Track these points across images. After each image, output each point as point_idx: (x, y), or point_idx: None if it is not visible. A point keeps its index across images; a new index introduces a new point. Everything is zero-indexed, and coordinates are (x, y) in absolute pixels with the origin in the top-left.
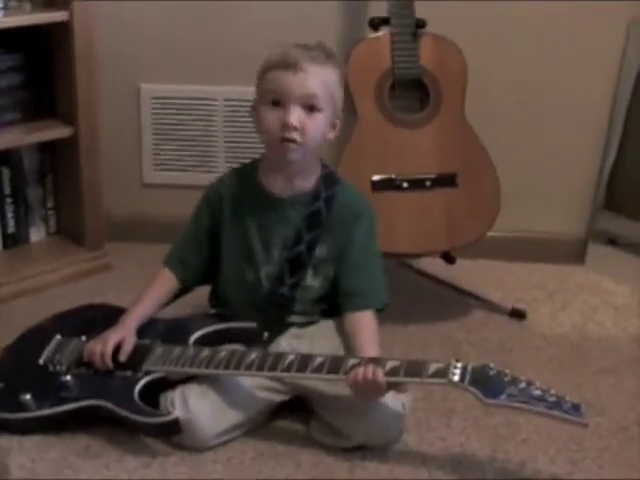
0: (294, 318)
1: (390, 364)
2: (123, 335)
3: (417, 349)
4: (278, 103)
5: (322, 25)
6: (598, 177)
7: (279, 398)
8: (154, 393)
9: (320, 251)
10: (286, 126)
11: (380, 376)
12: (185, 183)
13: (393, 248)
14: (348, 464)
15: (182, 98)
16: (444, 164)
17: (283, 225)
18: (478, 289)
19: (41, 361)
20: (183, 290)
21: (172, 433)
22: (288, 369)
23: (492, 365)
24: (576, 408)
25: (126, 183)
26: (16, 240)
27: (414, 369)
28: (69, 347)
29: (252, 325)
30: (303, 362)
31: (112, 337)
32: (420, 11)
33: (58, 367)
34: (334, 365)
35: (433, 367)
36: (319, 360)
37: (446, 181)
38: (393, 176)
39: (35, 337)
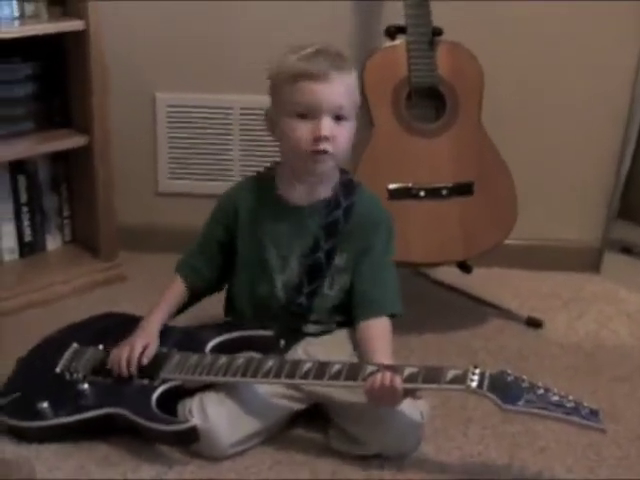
0: (310, 328)
1: (408, 371)
2: (147, 340)
3: (434, 358)
4: (305, 115)
5: (338, 34)
6: (613, 186)
7: (296, 406)
8: (171, 401)
9: (339, 260)
10: (319, 139)
11: (398, 383)
12: (200, 192)
13: (409, 257)
14: (365, 473)
15: (198, 107)
16: (461, 173)
17: (302, 234)
18: (494, 298)
19: (58, 369)
20: (194, 298)
21: (190, 441)
22: (305, 376)
23: (510, 371)
24: (594, 414)
25: (141, 192)
26: (33, 248)
27: (432, 375)
28: (86, 355)
29: (269, 333)
30: (320, 369)
31: (138, 342)
32: (436, 19)
33: (75, 375)
34: (352, 372)
35: (451, 373)
36: (337, 367)
37: (463, 190)
38: (410, 185)
39: (52, 346)
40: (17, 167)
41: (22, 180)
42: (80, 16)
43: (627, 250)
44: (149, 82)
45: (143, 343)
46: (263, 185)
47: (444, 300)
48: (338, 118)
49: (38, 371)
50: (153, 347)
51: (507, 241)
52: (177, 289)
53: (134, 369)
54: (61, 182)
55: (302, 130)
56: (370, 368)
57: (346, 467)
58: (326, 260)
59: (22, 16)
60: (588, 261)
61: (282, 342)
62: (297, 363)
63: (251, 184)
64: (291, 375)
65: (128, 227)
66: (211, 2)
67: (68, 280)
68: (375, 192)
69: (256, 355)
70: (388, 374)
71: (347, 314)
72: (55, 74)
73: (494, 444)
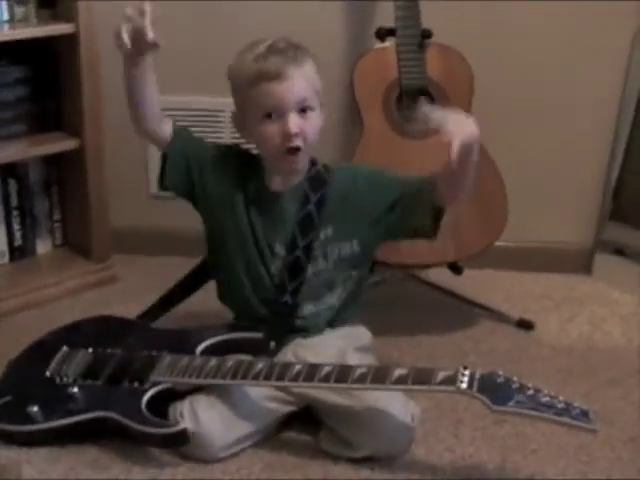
0: (303, 310)
1: (397, 372)
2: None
3: (425, 360)
4: (270, 115)
5: (328, 36)
6: (604, 187)
7: (287, 409)
8: (162, 404)
9: (324, 234)
10: (288, 135)
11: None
12: None
13: (399, 259)
14: (356, 475)
15: (189, 109)
16: None
17: (283, 221)
18: (485, 299)
19: (48, 373)
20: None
21: (180, 444)
22: (295, 378)
23: (500, 372)
24: (585, 414)
25: (133, 194)
26: (23, 252)
27: (422, 377)
28: (76, 359)
29: (258, 335)
30: (310, 371)
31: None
32: (425, 21)
33: (65, 379)
34: (342, 374)
35: (441, 375)
36: (327, 369)
37: None
38: None
39: (42, 349)
40: (8, 170)
41: (12, 183)
42: (70, 19)
43: (619, 251)
44: None
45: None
46: (250, 166)
47: (435, 302)
48: (303, 110)
49: (28, 375)
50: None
51: (498, 242)
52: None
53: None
54: (52, 185)
55: (271, 131)
56: (360, 370)
57: (338, 469)
58: (305, 257)
59: (12, 19)
60: (580, 262)
61: (272, 344)
62: (287, 365)
63: (240, 156)
64: (281, 377)
65: (120, 229)
66: (201, 5)
67: (59, 282)
68: None
69: (246, 357)
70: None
71: (343, 290)
72: (46, 77)
73: (485, 446)
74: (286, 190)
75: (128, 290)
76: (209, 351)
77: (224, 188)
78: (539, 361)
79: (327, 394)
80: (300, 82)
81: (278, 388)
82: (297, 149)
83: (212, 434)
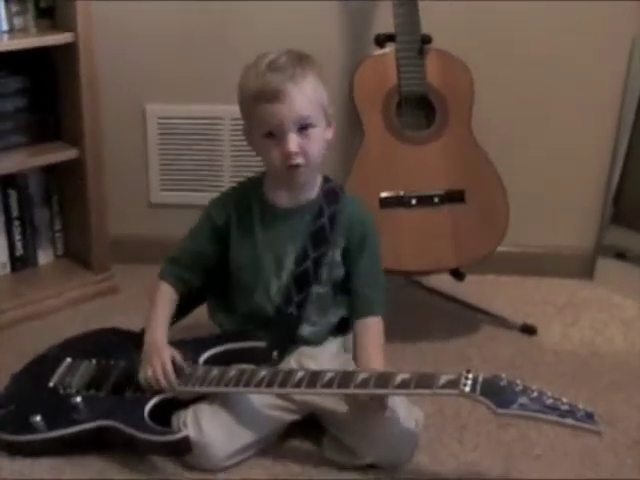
0: (304, 330)
1: (400, 377)
2: (170, 351)
3: (428, 366)
4: (272, 133)
5: (327, 41)
6: (606, 191)
7: (290, 417)
8: (164, 414)
9: (327, 259)
10: (288, 155)
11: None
12: (193, 203)
13: (401, 266)
14: None
15: (188, 118)
16: (452, 180)
17: (293, 237)
18: (488, 305)
19: (51, 384)
20: (185, 307)
21: (183, 452)
22: (298, 385)
23: (503, 375)
24: (590, 416)
25: (133, 204)
26: (25, 263)
27: (425, 381)
28: (79, 370)
29: (261, 344)
30: (313, 378)
31: (165, 355)
32: (425, 27)
33: (68, 389)
34: (344, 380)
35: (444, 379)
36: (329, 375)
37: (454, 197)
38: (401, 193)
39: (45, 361)
40: (8, 181)
41: (13, 194)
42: (69, 29)
43: (620, 255)
44: (139, 94)
45: (169, 354)
46: (250, 192)
47: (437, 308)
48: (304, 128)
49: (31, 386)
50: (178, 355)
51: (500, 248)
52: (167, 293)
53: (174, 379)
54: (52, 195)
55: (272, 149)
56: (362, 375)
57: (342, 477)
58: (314, 268)
59: (11, 30)
60: (581, 267)
61: (275, 353)
62: (290, 373)
63: (239, 191)
64: (284, 384)
65: (120, 239)
66: (200, 14)
67: (60, 293)
68: (367, 201)
69: (249, 366)
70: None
71: (340, 310)
72: (45, 87)
73: (489, 452)
74: (296, 206)
75: (129, 300)
76: (212, 361)
77: (237, 225)
78: (542, 366)
79: (330, 401)
80: (300, 101)
81: (281, 396)
82: (297, 166)
83: (215, 443)
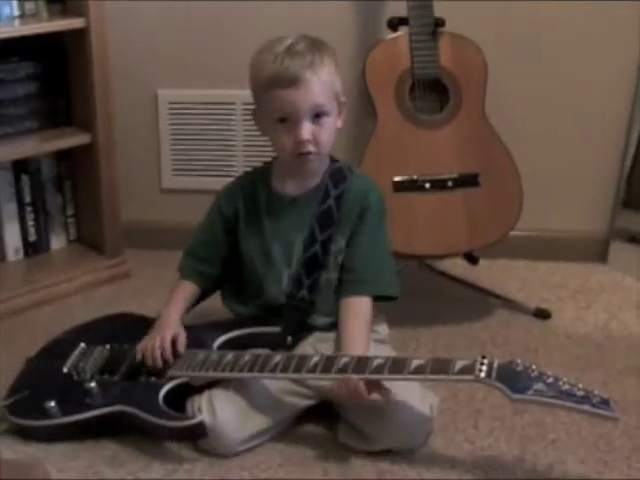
0: (317, 320)
1: (415, 363)
2: (175, 330)
3: (442, 350)
4: (285, 119)
5: (339, 26)
6: (619, 175)
7: (305, 403)
8: (178, 399)
9: (335, 245)
10: (300, 142)
11: (361, 387)
12: (204, 188)
13: (415, 250)
14: (376, 469)
15: (200, 103)
16: (466, 164)
17: (301, 225)
18: (501, 289)
19: (65, 369)
20: (203, 294)
21: (197, 437)
22: (312, 370)
23: (519, 361)
24: (605, 402)
25: (144, 189)
26: (37, 248)
27: (440, 367)
28: (93, 355)
29: (275, 330)
30: (328, 363)
31: (167, 332)
32: (437, 10)
33: (82, 375)
34: (359, 365)
35: (459, 364)
36: (344, 360)
37: (468, 181)
38: (415, 177)
39: (59, 346)
40: (20, 166)
41: (25, 179)
42: (80, 14)
43: (634, 239)
44: (150, 79)
45: (172, 333)
46: (258, 181)
47: (451, 292)
48: (318, 116)
49: (45, 371)
50: (183, 336)
51: (513, 232)
52: (189, 288)
53: (169, 356)
54: (65, 181)
55: (284, 135)
56: (378, 361)
57: (357, 462)
58: (322, 252)
59: (22, 15)
60: (595, 251)
61: (289, 338)
62: (304, 357)
63: (246, 181)
64: (298, 369)
65: (132, 224)
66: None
67: (73, 278)
68: (380, 185)
69: (263, 351)
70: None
71: None
72: (57, 72)
73: (504, 437)
74: (303, 194)
75: (141, 285)
76: (225, 346)
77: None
78: (556, 350)
79: None
80: (316, 89)
81: (296, 381)
82: (309, 153)
83: (229, 428)
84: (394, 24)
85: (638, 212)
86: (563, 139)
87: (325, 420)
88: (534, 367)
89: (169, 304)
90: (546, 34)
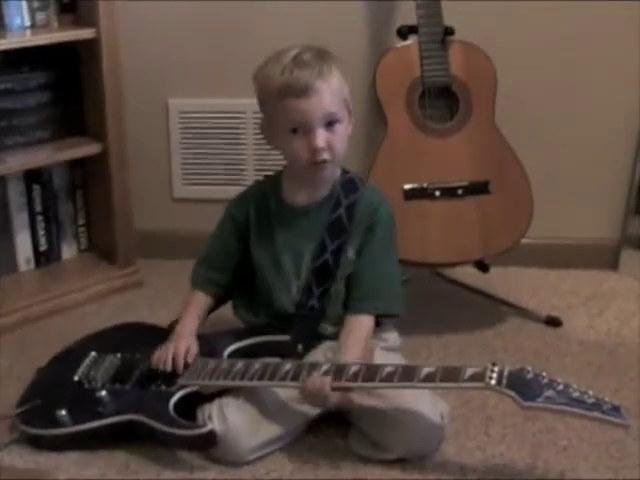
0: (327, 329)
1: (426, 370)
2: (189, 342)
3: (453, 358)
4: (297, 130)
5: (349, 34)
6: (630, 182)
7: (316, 411)
8: (189, 408)
9: (345, 255)
10: (316, 151)
11: (326, 387)
12: (215, 197)
13: (426, 258)
14: (387, 476)
15: (210, 112)
16: (476, 172)
17: (311, 235)
18: (512, 297)
19: (76, 377)
20: (218, 302)
21: (208, 446)
22: None
23: (529, 368)
24: (616, 409)
25: (156, 198)
26: (48, 258)
27: (450, 374)
28: (104, 364)
29: (286, 338)
30: (338, 371)
31: (181, 343)
32: (447, 18)
33: (93, 383)
34: (369, 373)
35: (469, 371)
36: (354, 368)
37: (478, 189)
38: (425, 185)
39: (70, 356)
40: (32, 176)
41: (37, 189)
42: (91, 24)
43: None
44: (161, 88)
45: (185, 344)
46: (268, 191)
47: (462, 300)
48: (330, 124)
49: (56, 380)
50: (195, 348)
51: (524, 239)
52: (201, 299)
53: (181, 367)
54: (76, 190)
55: (298, 145)
56: (388, 369)
57: (368, 471)
58: (334, 261)
59: (33, 25)
60: (606, 258)
61: (300, 347)
62: (314, 366)
63: (258, 190)
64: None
65: (144, 233)
66: (222, 7)
67: (85, 288)
68: (390, 193)
69: (274, 360)
70: (318, 379)
71: None
72: (69, 82)
73: (516, 444)
74: (313, 203)
75: (154, 294)
76: (236, 355)
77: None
78: (568, 358)
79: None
80: (327, 97)
81: None
82: (323, 162)
83: (241, 436)
84: (404, 33)
85: None
86: (574, 146)
87: (337, 429)
88: (544, 374)
89: (183, 317)
90: (558, 40)
